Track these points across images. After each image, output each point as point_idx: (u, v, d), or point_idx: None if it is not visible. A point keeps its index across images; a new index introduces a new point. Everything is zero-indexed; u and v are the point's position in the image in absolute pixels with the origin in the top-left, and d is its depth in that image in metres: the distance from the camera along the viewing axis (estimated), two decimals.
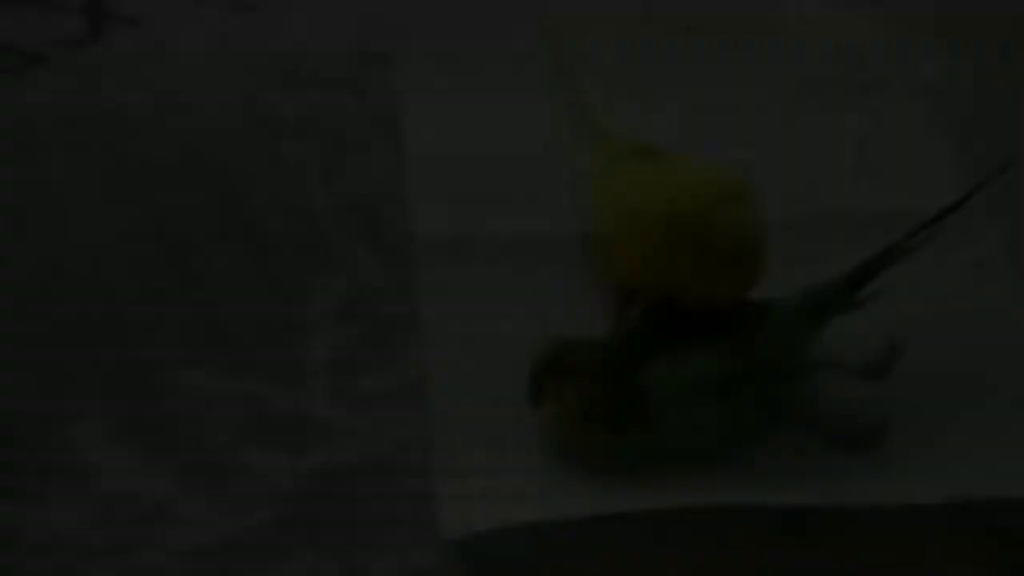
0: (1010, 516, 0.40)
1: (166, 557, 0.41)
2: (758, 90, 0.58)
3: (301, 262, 0.50)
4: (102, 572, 0.41)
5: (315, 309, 0.49)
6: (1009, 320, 0.47)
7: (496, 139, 0.54)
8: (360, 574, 0.41)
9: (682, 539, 0.41)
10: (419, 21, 0.61)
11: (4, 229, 0.52)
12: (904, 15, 0.62)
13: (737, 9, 0.62)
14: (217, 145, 0.55)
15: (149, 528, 0.42)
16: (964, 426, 0.43)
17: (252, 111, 0.57)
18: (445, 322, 0.47)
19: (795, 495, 0.40)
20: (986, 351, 0.46)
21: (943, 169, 0.53)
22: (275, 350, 0.47)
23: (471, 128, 0.55)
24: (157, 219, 0.52)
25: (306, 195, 0.53)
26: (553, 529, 0.39)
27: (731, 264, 0.43)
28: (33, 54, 0.60)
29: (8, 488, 0.43)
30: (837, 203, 0.52)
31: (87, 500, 0.43)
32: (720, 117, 0.56)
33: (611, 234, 0.47)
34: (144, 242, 0.51)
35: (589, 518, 0.39)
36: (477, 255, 0.50)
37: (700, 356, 0.42)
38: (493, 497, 0.41)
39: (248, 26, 0.62)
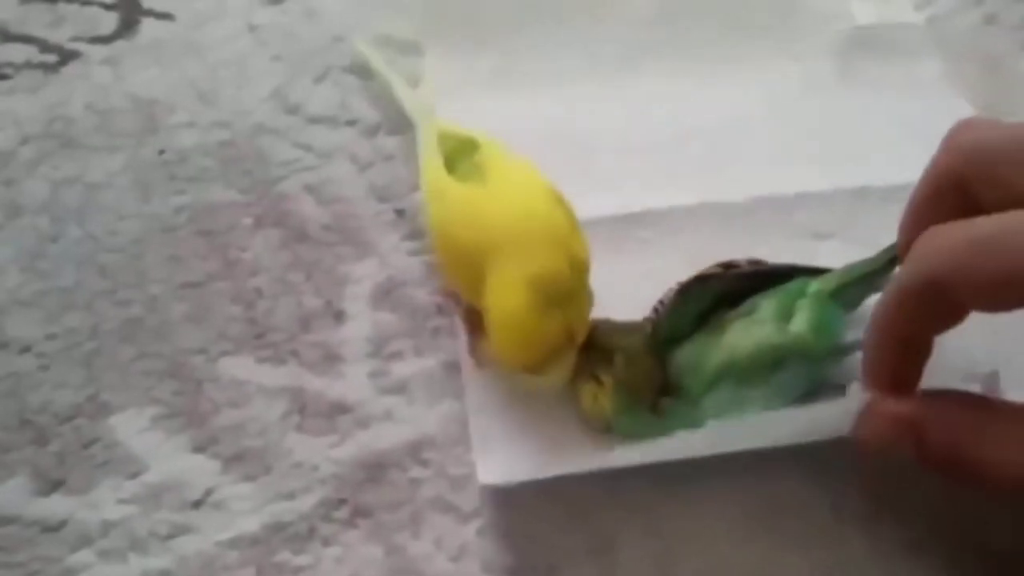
0: None
1: (211, 544, 0.42)
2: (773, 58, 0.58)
3: (336, 250, 0.51)
4: (148, 560, 0.42)
5: (351, 296, 0.49)
6: None
7: (524, 129, 0.54)
8: (401, 558, 0.41)
9: (715, 485, 0.41)
10: (451, 10, 0.61)
11: (44, 225, 0.53)
12: None
13: None
14: (251, 136, 0.56)
15: (194, 516, 0.43)
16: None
17: (285, 101, 0.57)
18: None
19: (806, 433, 0.40)
20: None
21: None
22: (313, 338, 0.48)
23: (498, 118, 0.54)
24: (193, 211, 0.53)
25: (339, 184, 0.54)
26: (588, 480, 0.40)
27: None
28: (68, 50, 0.61)
29: (55, 480, 0.44)
30: (870, 175, 0.51)
31: (133, 489, 0.43)
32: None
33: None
34: (182, 234, 0.52)
35: (623, 469, 0.40)
36: None
37: (737, 337, 0.42)
38: (531, 453, 0.42)
39: (281, 17, 0.62)
